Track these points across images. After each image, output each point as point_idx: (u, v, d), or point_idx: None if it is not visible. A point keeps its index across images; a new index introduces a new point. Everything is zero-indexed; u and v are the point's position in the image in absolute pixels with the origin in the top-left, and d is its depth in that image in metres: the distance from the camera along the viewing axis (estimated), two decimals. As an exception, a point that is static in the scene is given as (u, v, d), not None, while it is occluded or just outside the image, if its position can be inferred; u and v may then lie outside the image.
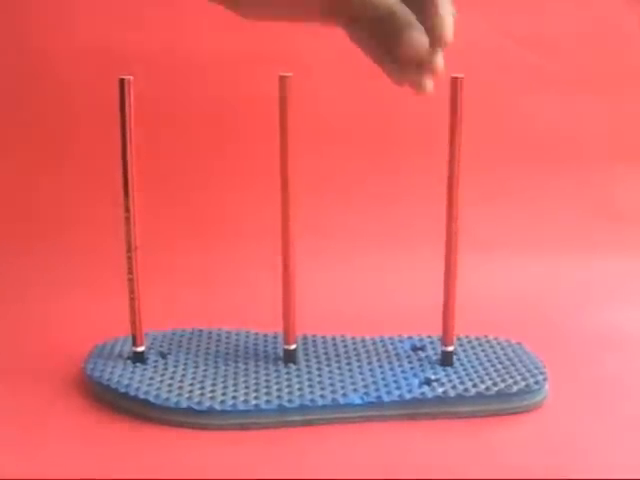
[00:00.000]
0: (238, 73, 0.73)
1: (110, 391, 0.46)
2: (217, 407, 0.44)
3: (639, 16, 0.77)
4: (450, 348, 0.49)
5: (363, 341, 0.53)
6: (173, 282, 0.65)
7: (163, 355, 0.50)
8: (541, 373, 0.48)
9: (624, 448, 0.43)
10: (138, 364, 0.49)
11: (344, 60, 0.67)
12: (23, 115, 0.73)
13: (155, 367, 0.49)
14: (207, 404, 0.44)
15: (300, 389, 0.46)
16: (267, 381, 0.47)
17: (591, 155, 0.79)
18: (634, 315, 0.62)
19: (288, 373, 0.48)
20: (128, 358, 0.50)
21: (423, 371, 0.48)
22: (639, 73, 0.79)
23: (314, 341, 0.53)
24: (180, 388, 0.46)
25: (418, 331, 0.54)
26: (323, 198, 0.73)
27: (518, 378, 0.47)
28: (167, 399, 0.45)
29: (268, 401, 0.45)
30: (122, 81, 0.46)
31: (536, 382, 0.47)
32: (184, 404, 0.44)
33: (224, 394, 0.45)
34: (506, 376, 0.48)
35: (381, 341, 0.53)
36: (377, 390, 0.46)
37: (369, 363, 0.50)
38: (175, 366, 0.49)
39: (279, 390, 0.46)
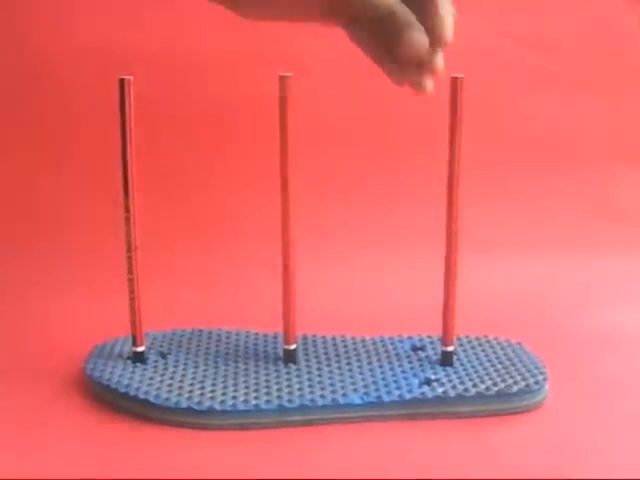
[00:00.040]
0: (238, 73, 0.73)
1: (110, 391, 0.46)
2: (217, 407, 0.44)
3: (639, 16, 0.77)
4: (450, 348, 0.49)
5: (363, 341, 0.53)
6: (173, 282, 0.65)
7: (163, 355, 0.50)
8: (541, 373, 0.48)
9: (624, 448, 0.43)
10: (138, 364, 0.49)
11: (344, 60, 0.67)
12: (23, 115, 0.73)
13: (155, 367, 0.49)
14: (207, 404, 0.44)
15: (300, 389, 0.46)
16: (267, 381, 0.47)
17: (591, 155, 0.79)
18: (634, 315, 0.62)
19: (288, 373, 0.48)
20: (128, 358, 0.50)
21: (423, 371, 0.48)
22: (639, 73, 0.79)
23: (314, 341, 0.53)
24: (180, 388, 0.46)
25: (418, 331, 0.54)
26: (323, 198, 0.73)
27: (518, 378, 0.47)
28: (167, 399, 0.45)
29: (268, 401, 0.45)
30: (122, 81, 0.46)
31: (536, 382, 0.47)
32: (184, 404, 0.44)
33: (224, 394, 0.45)
34: (506, 376, 0.48)
35: (381, 341, 0.53)
36: (377, 390, 0.46)
37: (369, 363, 0.50)
38: (175, 366, 0.49)
39: (279, 390, 0.46)
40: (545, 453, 0.43)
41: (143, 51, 0.72)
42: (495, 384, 0.47)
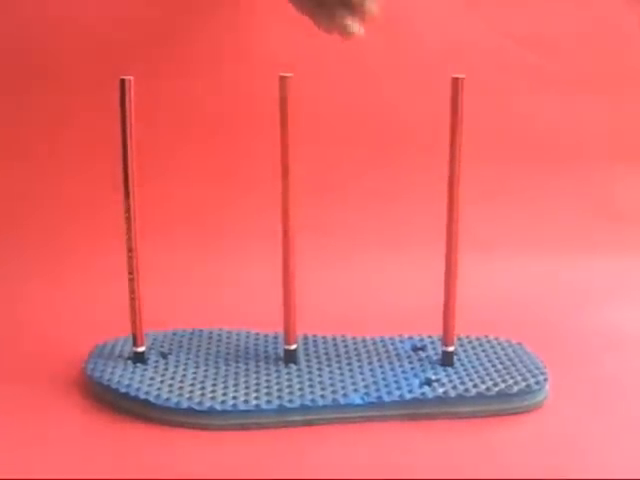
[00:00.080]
0: (238, 73, 0.73)
1: (110, 391, 0.46)
2: (218, 407, 0.44)
3: (639, 16, 0.77)
4: (450, 348, 0.49)
5: (363, 341, 0.53)
6: (173, 282, 0.65)
7: (164, 355, 0.50)
8: (541, 373, 0.48)
9: (624, 448, 0.43)
10: (138, 364, 0.49)
11: (344, 60, 0.67)
12: (23, 115, 0.73)
13: (155, 367, 0.49)
14: (208, 404, 0.44)
15: (300, 389, 0.46)
16: (267, 381, 0.47)
17: (591, 155, 0.79)
18: (634, 315, 0.62)
19: (288, 373, 0.48)
20: (128, 358, 0.50)
21: (424, 371, 0.48)
22: (639, 73, 0.79)
23: (314, 341, 0.53)
24: (181, 388, 0.46)
25: (418, 331, 0.54)
26: (323, 198, 0.72)
27: (518, 378, 0.47)
28: (168, 399, 0.45)
29: (269, 401, 0.45)
30: (122, 81, 0.46)
31: (536, 382, 0.47)
32: (185, 404, 0.44)
33: (225, 394, 0.45)
34: (507, 376, 0.48)
35: (381, 341, 0.53)
36: (377, 390, 0.46)
37: (369, 363, 0.50)
38: (175, 366, 0.49)
39: (279, 390, 0.46)
40: (545, 453, 0.43)
41: (143, 51, 0.72)
42: (496, 384, 0.47)
